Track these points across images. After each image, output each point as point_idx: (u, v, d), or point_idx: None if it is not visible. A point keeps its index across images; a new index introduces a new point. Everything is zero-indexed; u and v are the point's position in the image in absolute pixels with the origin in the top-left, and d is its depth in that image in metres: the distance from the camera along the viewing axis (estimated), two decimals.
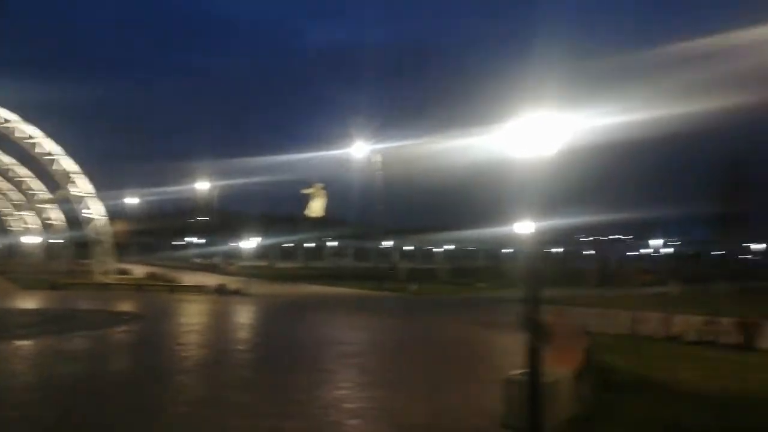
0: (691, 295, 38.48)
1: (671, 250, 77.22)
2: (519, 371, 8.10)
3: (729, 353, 16.27)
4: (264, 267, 64.29)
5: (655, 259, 72.66)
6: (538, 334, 7.79)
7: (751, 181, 60.91)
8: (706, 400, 10.58)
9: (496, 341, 18.24)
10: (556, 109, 7.34)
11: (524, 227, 7.94)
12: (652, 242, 72.49)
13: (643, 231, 79.31)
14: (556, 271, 58.93)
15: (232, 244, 59.29)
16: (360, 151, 44.84)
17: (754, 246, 64.22)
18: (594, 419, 9.17)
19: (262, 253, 68.92)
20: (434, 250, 79.08)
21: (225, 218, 71.66)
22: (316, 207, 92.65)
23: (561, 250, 77.49)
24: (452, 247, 79.16)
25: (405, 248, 77.93)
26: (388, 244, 69.69)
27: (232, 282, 38.65)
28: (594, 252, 76.36)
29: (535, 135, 7.38)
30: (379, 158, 45.24)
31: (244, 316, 25.98)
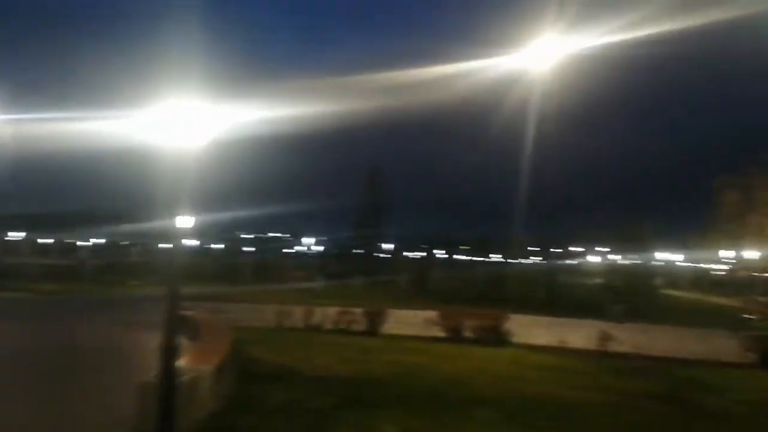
0: (334, 288, 43.27)
1: (321, 248, 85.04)
2: (155, 373, 7.62)
3: (358, 339, 18.61)
4: None
5: (307, 257, 79.14)
6: (177, 332, 7.47)
7: (386, 187, 71.80)
8: (335, 380, 11.82)
9: (143, 342, 17.00)
10: (206, 99, 7.18)
11: (174, 221, 7.50)
12: (306, 240, 78.76)
13: (299, 229, 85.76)
14: (214, 268, 59.04)
15: None
16: None
17: (386, 246, 75.48)
18: (234, 412, 9.26)
19: None
20: (79, 243, 70.22)
21: None
22: None
23: (221, 246, 77.85)
24: (101, 240, 71.59)
25: (41, 241, 67.37)
26: (17, 235, 59.15)
27: None
28: (253, 249, 79.10)
29: (185, 124, 7.09)
30: (8, 131, 37.68)
31: None
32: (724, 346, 17.67)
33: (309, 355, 14.68)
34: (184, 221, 7.57)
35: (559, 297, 40.08)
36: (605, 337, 17.21)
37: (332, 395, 10.41)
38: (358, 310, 20.75)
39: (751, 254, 41.49)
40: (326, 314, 20.82)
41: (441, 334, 19.31)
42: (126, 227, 64.20)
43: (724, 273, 69.74)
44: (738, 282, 50.22)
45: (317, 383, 11.47)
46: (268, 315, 20.92)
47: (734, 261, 54.10)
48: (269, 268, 64.54)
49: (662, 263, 62.18)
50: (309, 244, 67.37)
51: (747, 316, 33.01)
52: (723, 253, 50.30)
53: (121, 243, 74.54)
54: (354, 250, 73.74)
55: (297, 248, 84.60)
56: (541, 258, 67.99)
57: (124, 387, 10.32)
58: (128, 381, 10.63)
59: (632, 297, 36.16)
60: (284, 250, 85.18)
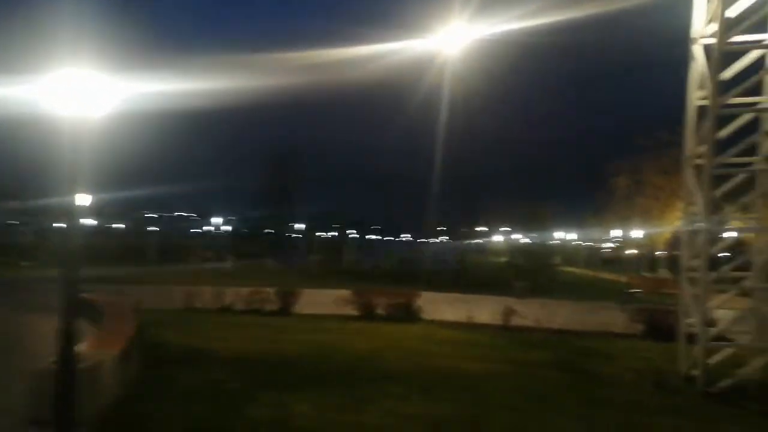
0: (244, 269, 42.43)
1: (230, 228, 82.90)
2: (53, 359, 7.19)
3: (270, 319, 18.42)
4: None
5: (216, 237, 76.86)
6: (76, 315, 7.08)
7: (297, 167, 70.96)
8: (248, 361, 11.67)
9: (39, 327, 15.91)
10: (107, 70, 6.75)
11: (68, 198, 7.01)
12: (214, 220, 76.35)
13: (207, 209, 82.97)
14: (117, 248, 56.00)
15: None
16: None
17: (297, 225, 74.73)
18: (141, 397, 8.95)
19: None
20: None
21: None
22: None
23: (123, 225, 73.92)
24: None
25: None
26: None
27: None
28: (157, 228, 75.74)
29: (81, 92, 6.63)
30: None
31: None
32: (613, 318, 19.11)
33: (221, 337, 14.37)
34: (81, 198, 7.13)
35: (467, 275, 41.63)
36: (509, 312, 18.08)
37: (245, 376, 10.30)
38: (271, 290, 20.48)
39: (637, 233, 45.13)
40: (238, 295, 20.38)
41: (354, 312, 19.49)
42: (15, 204, 59.21)
43: (612, 251, 75.31)
44: (625, 259, 54.37)
45: (230, 365, 11.28)
46: (177, 296, 20.19)
47: (621, 240, 58.55)
48: (176, 248, 62.09)
49: (560, 242, 66.15)
50: (217, 223, 65.26)
51: (633, 290, 35.95)
52: (613, 233, 54.26)
53: (9, 222, 68.82)
54: (265, 230, 72.47)
55: (205, 228, 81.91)
56: (449, 238, 70.12)
57: (16, 373, 9.65)
58: (21, 367, 9.95)
59: (533, 274, 38.17)
60: (191, 230, 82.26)
